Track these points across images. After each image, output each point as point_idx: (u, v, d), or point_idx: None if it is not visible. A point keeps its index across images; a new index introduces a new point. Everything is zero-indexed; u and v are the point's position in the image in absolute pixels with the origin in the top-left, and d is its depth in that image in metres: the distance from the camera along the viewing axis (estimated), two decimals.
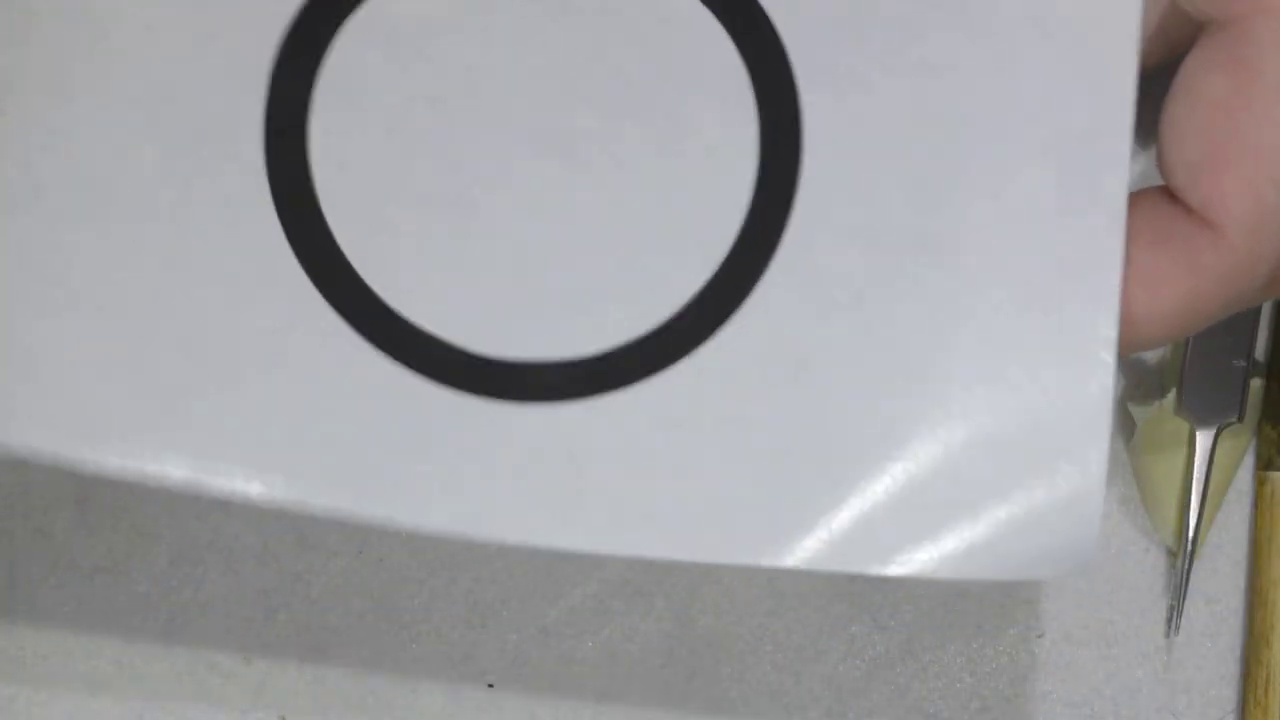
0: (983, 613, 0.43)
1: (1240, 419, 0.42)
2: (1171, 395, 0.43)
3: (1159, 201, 0.33)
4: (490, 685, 0.43)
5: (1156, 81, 0.34)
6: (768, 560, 0.33)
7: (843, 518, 0.33)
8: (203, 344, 0.34)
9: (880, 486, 0.33)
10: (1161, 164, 0.33)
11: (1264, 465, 0.43)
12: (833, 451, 0.33)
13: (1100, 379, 0.32)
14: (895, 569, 0.32)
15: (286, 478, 0.34)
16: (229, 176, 0.35)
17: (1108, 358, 0.32)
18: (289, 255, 0.35)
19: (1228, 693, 0.43)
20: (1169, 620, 0.43)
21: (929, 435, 0.33)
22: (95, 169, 0.35)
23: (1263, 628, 0.42)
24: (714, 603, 0.43)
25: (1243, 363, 0.43)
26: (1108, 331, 0.32)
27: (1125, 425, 0.43)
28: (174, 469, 0.34)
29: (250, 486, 0.34)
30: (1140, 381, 0.44)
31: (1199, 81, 0.32)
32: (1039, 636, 0.43)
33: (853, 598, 0.43)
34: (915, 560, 0.32)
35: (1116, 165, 0.33)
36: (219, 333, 0.34)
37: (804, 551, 0.33)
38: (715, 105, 0.35)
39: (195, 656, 0.43)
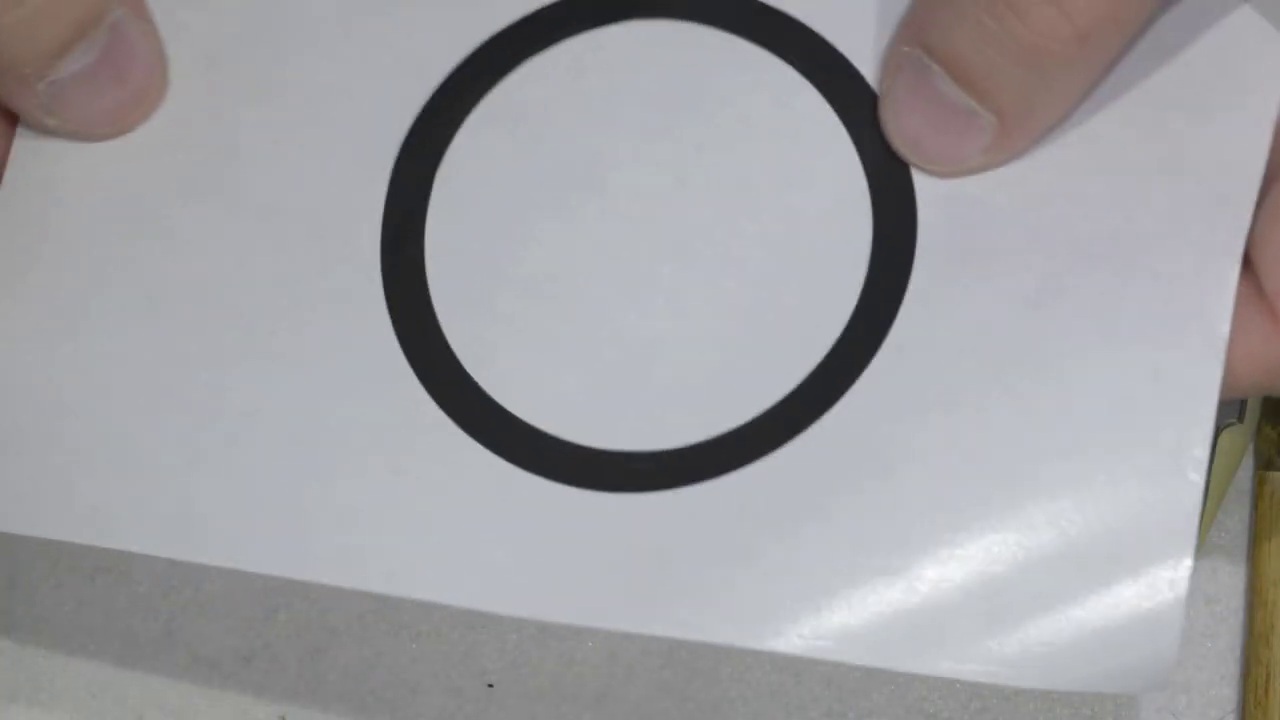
0: None
1: (1240, 419, 0.42)
2: None
3: None
4: (490, 685, 0.43)
5: None
6: (846, 656, 0.32)
7: (917, 619, 0.32)
8: (305, 441, 0.35)
9: (959, 592, 0.32)
10: (1253, 235, 0.33)
11: (1264, 465, 0.43)
12: (915, 553, 0.33)
13: (1188, 500, 0.32)
14: (966, 673, 0.32)
15: (378, 568, 0.34)
16: (345, 276, 0.36)
17: (1196, 479, 0.32)
18: (394, 345, 0.35)
19: (1228, 693, 0.43)
20: None
21: (1011, 543, 0.32)
22: (213, 274, 0.36)
23: (1263, 628, 0.42)
24: None
25: None
26: (1199, 452, 0.32)
27: None
28: (272, 564, 0.34)
29: (344, 577, 0.34)
30: None
31: None
32: None
33: None
34: (988, 666, 0.32)
35: (1222, 295, 0.33)
36: (321, 430, 0.35)
37: (877, 650, 0.32)
38: (831, 208, 0.35)
39: (195, 656, 0.43)
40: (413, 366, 0.35)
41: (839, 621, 0.32)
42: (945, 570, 0.32)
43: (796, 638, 0.32)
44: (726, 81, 0.36)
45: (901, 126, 0.34)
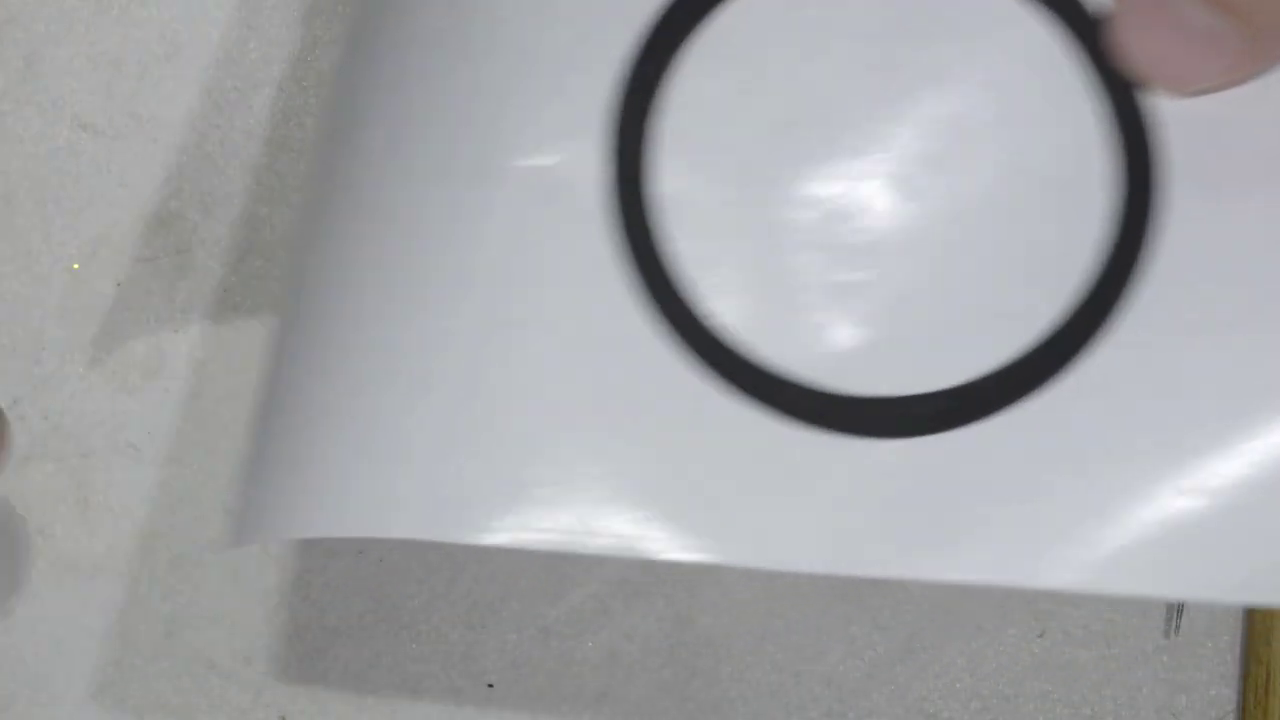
0: (983, 613, 0.43)
1: None
2: None
3: None
4: (490, 685, 0.43)
5: None
6: (1148, 589, 0.32)
7: (1220, 544, 0.32)
8: (566, 413, 0.34)
9: (1262, 515, 0.32)
10: None
11: None
12: (1202, 480, 0.32)
13: None
14: (1259, 599, 0.32)
15: (656, 530, 0.34)
16: (575, 239, 0.34)
17: None
18: (638, 307, 0.34)
19: (1227, 693, 0.43)
20: (1169, 620, 0.43)
21: None
22: (447, 249, 0.35)
23: (1262, 628, 0.42)
24: (714, 603, 0.43)
25: None
26: None
27: None
28: (551, 540, 0.34)
29: (621, 543, 0.34)
30: None
31: None
32: (1039, 636, 0.43)
33: (853, 598, 0.43)
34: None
35: None
36: (571, 394, 0.34)
37: (1184, 579, 0.32)
38: (1067, 132, 0.34)
39: (195, 656, 0.43)
40: (665, 333, 0.34)
41: (1139, 552, 0.32)
42: (1244, 493, 0.32)
43: (1098, 572, 0.32)
44: (947, 7, 0.35)
45: (1139, 47, 0.33)
